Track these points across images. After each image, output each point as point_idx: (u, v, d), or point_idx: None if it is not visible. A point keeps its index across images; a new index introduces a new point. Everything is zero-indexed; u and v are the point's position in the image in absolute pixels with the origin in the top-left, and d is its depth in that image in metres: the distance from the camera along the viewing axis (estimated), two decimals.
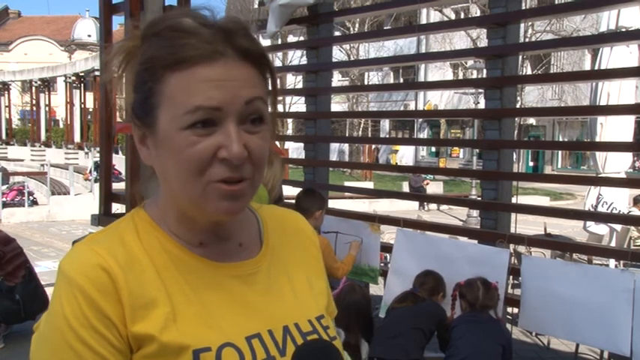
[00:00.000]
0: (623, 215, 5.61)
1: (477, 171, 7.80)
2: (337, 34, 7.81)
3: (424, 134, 32.33)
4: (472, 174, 11.71)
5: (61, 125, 35.35)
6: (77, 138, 28.94)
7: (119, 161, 11.14)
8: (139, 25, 0.81)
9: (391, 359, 3.23)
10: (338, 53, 21.18)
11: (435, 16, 27.10)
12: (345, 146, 32.08)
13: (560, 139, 26.25)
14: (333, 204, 5.41)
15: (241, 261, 0.87)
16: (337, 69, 8.72)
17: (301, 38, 8.86)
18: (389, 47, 28.11)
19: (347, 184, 17.69)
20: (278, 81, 0.87)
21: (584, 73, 9.58)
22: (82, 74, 27.65)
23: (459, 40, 22.75)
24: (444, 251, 3.81)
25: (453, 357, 3.10)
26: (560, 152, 27.66)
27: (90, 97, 28.00)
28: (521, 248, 5.29)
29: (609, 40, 4.79)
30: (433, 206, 16.75)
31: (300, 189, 4.16)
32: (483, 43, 14.05)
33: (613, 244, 6.29)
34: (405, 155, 32.11)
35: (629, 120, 5.93)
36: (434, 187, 20.15)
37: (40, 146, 30.55)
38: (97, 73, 23.24)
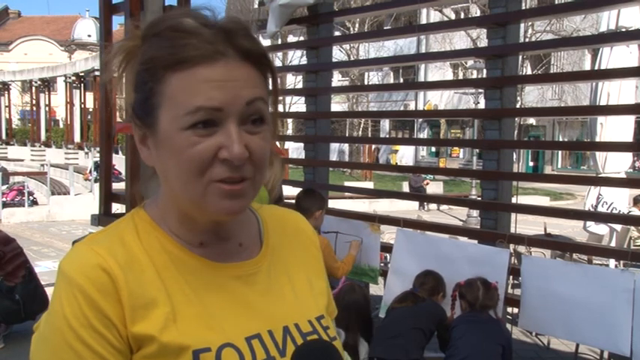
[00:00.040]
0: (623, 215, 5.61)
1: (477, 171, 7.80)
2: (337, 34, 7.80)
3: (424, 134, 32.33)
4: (472, 174, 11.71)
5: (61, 125, 35.36)
6: (77, 138, 28.94)
7: (119, 161, 11.14)
8: (140, 24, 0.81)
9: (391, 359, 3.23)
10: (338, 53, 21.17)
11: (435, 16, 27.10)
12: (345, 146, 32.08)
13: (560, 139, 26.26)
14: (333, 204, 5.41)
15: (241, 261, 0.87)
16: (337, 69, 8.71)
17: (301, 38, 8.85)
18: (389, 47, 28.11)
19: (347, 184, 17.70)
20: (279, 81, 0.87)
21: (584, 73, 9.58)
22: (82, 74, 27.65)
23: (459, 40, 22.75)
24: (444, 251, 3.81)
25: (453, 357, 3.10)
26: (560, 152, 27.67)
27: (90, 97, 28.00)
28: (521, 248, 5.29)
29: (609, 40, 4.79)
30: (433, 206, 16.75)
31: (300, 189, 4.16)
32: (483, 43, 14.05)
33: (613, 244, 6.29)
34: (405, 155, 32.11)
35: (629, 120, 5.93)
36: (434, 187, 20.14)
37: (40, 146, 30.55)
38: (97, 73, 23.24)
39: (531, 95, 25.02)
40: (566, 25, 23.17)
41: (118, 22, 13.49)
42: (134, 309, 0.76)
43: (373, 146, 30.23)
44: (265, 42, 5.22)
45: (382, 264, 4.75)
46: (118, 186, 5.19)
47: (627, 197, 6.59)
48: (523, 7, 4.29)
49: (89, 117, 29.47)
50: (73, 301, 0.75)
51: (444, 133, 31.53)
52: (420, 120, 32.03)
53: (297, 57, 22.41)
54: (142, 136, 0.82)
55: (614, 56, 5.61)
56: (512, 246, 4.17)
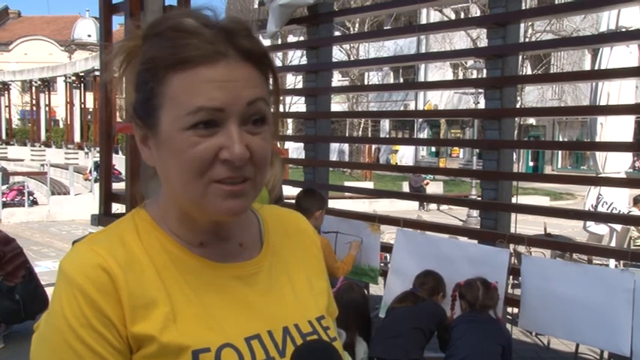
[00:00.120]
0: (623, 215, 5.61)
1: (477, 171, 7.80)
2: (337, 34, 7.80)
3: (424, 134, 32.34)
4: (472, 174, 11.72)
5: (61, 125, 35.35)
6: (77, 138, 28.94)
7: (119, 161, 11.13)
8: (141, 24, 0.81)
9: (391, 359, 3.23)
10: (338, 53, 21.17)
11: (435, 16, 27.10)
12: (345, 146, 32.08)
13: (560, 139, 26.26)
14: (333, 204, 5.41)
15: (242, 261, 0.87)
16: (337, 69, 8.72)
17: (301, 38, 8.86)
18: (389, 47, 28.12)
19: (347, 184, 17.69)
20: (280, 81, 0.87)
21: (584, 73, 9.58)
22: (82, 74, 27.65)
23: (459, 40, 22.75)
24: (444, 251, 3.81)
25: (453, 357, 3.10)
26: (560, 152, 27.66)
27: (90, 97, 27.99)
28: (521, 248, 5.29)
29: (609, 40, 4.79)
30: (433, 206, 16.75)
31: (300, 189, 4.17)
32: (483, 43, 14.05)
33: (613, 244, 6.29)
34: (405, 155, 32.11)
35: (629, 120, 5.94)
36: (434, 187, 20.14)
37: (40, 146, 30.55)
38: (97, 73, 23.24)
39: (531, 95, 25.02)
40: (566, 25, 23.18)
41: (118, 22, 13.50)
42: (134, 309, 0.76)
43: (373, 146, 30.23)
44: (265, 42, 5.22)
45: (382, 264, 4.75)
46: (118, 186, 5.19)
47: (627, 197, 6.59)
48: (523, 7, 4.29)
49: (89, 117, 29.48)
50: (73, 300, 0.75)
51: (444, 133, 31.53)
52: (420, 120, 32.04)
53: (297, 57, 22.41)
54: (143, 136, 0.81)
55: (614, 56, 5.61)
56: (512, 246, 4.18)
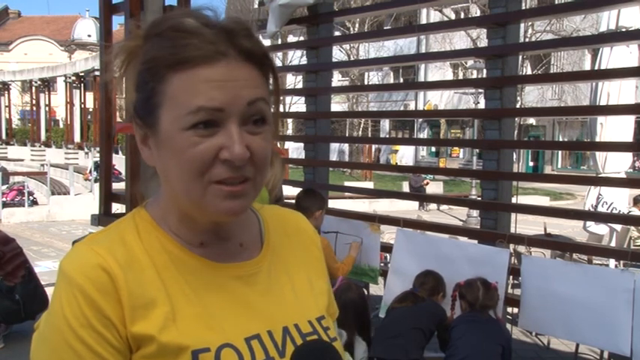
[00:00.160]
0: (623, 215, 5.61)
1: (477, 171, 7.80)
2: (337, 34, 7.81)
3: (424, 134, 32.33)
4: (472, 174, 11.72)
5: (61, 125, 35.35)
6: (77, 138, 28.93)
7: (119, 161, 11.13)
8: (141, 24, 0.81)
9: (391, 359, 3.23)
10: (338, 53, 21.17)
11: (435, 16, 27.10)
12: (345, 146, 32.08)
13: (560, 139, 26.26)
14: (333, 204, 5.41)
15: (242, 261, 0.87)
16: (337, 69, 8.72)
17: (301, 38, 8.86)
18: (389, 47, 28.12)
19: (347, 184, 17.69)
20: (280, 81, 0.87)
21: (584, 73, 9.58)
22: (82, 74, 27.65)
23: (459, 40, 22.75)
24: (444, 251, 3.81)
25: (453, 357, 3.10)
26: (560, 152, 27.66)
27: (90, 97, 27.99)
28: (521, 248, 5.29)
29: (609, 40, 4.80)
30: (433, 206, 16.75)
31: (300, 189, 4.17)
32: (483, 43, 14.05)
33: (613, 244, 6.29)
34: (405, 155, 32.11)
35: (629, 120, 5.94)
36: (434, 187, 20.13)
37: (40, 146, 30.54)
38: (97, 73, 23.23)
39: (531, 95, 25.02)
40: (566, 25, 23.18)
41: (118, 22, 13.48)
42: (134, 309, 0.76)
43: (373, 146, 30.21)
44: (265, 42, 5.21)
45: (382, 264, 4.75)
46: (118, 186, 5.19)
47: (627, 197, 6.60)
48: (523, 7, 4.29)
49: (89, 117, 29.47)
50: (73, 300, 0.75)
51: (444, 133, 31.53)
52: (420, 120, 32.03)
53: (297, 57, 22.41)
54: (143, 136, 0.81)
55: (614, 56, 5.61)
56: (512, 246, 4.18)
